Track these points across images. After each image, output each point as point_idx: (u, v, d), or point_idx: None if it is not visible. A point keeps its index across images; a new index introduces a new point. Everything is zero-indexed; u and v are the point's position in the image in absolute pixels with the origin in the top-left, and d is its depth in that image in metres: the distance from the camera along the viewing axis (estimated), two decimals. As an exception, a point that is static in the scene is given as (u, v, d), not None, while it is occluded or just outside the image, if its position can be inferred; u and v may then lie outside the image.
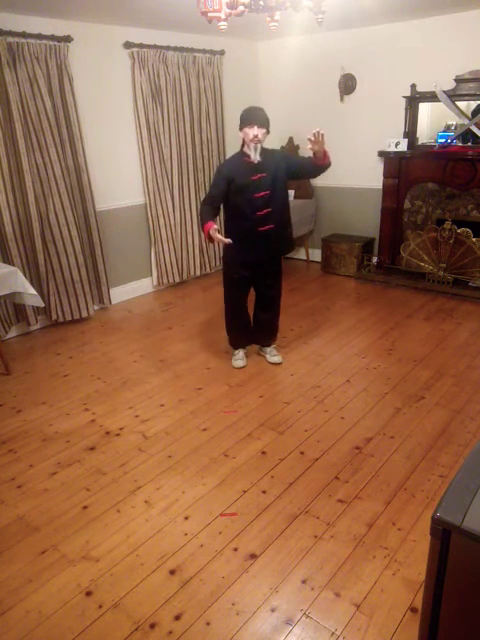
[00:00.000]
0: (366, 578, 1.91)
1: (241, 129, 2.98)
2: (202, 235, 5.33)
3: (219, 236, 2.93)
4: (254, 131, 2.92)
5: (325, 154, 2.97)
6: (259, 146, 2.97)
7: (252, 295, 3.48)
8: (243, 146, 3.05)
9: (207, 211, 3.05)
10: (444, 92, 4.35)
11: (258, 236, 3.10)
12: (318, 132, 2.84)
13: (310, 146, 2.91)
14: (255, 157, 2.97)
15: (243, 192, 3.01)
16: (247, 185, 3.00)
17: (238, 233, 3.09)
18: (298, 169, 3.10)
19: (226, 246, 3.15)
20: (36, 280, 4.15)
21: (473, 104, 4.43)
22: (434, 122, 4.82)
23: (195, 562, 2.01)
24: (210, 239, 2.98)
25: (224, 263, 3.35)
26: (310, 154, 3.01)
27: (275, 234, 3.14)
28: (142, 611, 1.82)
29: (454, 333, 3.93)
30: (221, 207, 3.18)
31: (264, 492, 2.37)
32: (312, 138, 2.86)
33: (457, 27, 4.31)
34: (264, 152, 3.01)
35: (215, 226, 2.93)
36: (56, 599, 1.88)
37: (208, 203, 3.08)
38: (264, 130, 2.96)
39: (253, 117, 2.93)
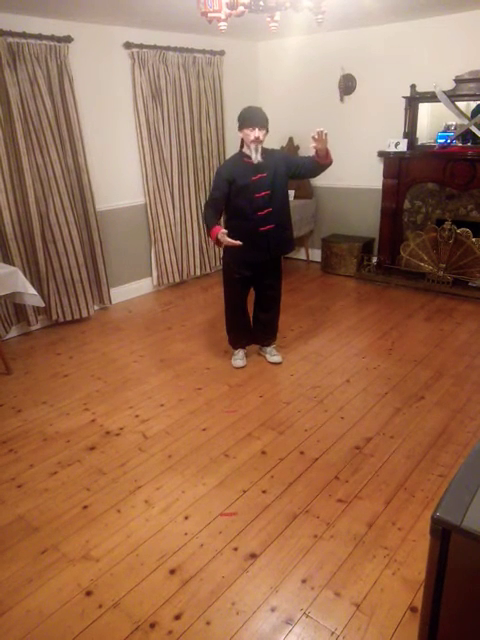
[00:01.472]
0: (366, 578, 1.92)
1: (241, 130, 2.97)
2: (202, 235, 5.33)
3: (228, 239, 2.94)
4: (255, 133, 2.92)
5: (327, 153, 2.97)
6: (260, 147, 2.97)
7: (251, 295, 3.49)
8: (242, 147, 3.05)
9: (211, 215, 3.04)
10: (444, 92, 4.36)
11: (259, 236, 3.11)
12: (322, 131, 2.84)
13: (314, 145, 2.90)
14: (256, 158, 2.97)
15: (244, 192, 3.02)
16: (248, 186, 3.01)
17: (239, 233, 3.08)
18: (298, 169, 3.10)
19: (227, 247, 3.15)
20: (36, 280, 4.15)
21: (473, 104, 4.43)
22: (434, 122, 4.82)
23: (195, 562, 2.01)
24: (218, 243, 2.99)
25: (225, 263, 3.35)
26: (312, 153, 3.02)
27: (276, 234, 3.14)
28: (142, 611, 1.82)
29: (454, 333, 3.93)
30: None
31: (264, 492, 2.37)
32: (316, 136, 2.86)
33: (457, 27, 4.32)
34: (264, 152, 3.02)
35: (223, 230, 2.93)
36: (56, 599, 1.88)
37: (211, 206, 3.07)
38: (264, 131, 2.96)
39: (253, 118, 2.92)
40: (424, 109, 4.75)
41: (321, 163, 3.02)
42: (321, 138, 2.86)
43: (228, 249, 3.18)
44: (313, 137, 2.87)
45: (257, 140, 2.93)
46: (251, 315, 3.58)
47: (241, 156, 3.05)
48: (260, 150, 2.97)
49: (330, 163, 3.05)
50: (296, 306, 4.60)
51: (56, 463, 2.64)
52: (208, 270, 5.55)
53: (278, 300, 3.50)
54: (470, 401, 3.03)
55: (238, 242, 2.96)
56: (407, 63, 4.65)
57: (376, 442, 2.70)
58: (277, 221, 3.12)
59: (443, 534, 1.12)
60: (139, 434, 2.86)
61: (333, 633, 1.72)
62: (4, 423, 3.02)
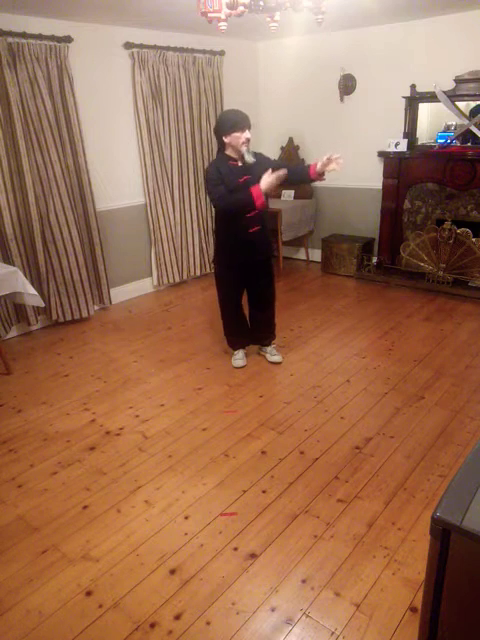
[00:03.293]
0: (366, 578, 1.92)
1: (228, 134, 2.94)
2: (202, 235, 5.33)
3: (274, 176, 2.84)
4: (246, 134, 2.96)
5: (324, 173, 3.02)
6: (250, 148, 3.00)
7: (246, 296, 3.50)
8: (225, 150, 3.04)
9: (229, 193, 2.95)
10: (444, 92, 4.36)
11: (248, 237, 3.14)
12: (341, 162, 2.88)
13: (328, 163, 2.91)
14: (250, 158, 2.99)
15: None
16: (237, 188, 3.02)
17: (230, 236, 3.13)
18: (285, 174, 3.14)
19: (219, 250, 3.23)
20: (36, 280, 4.15)
21: (473, 104, 4.43)
22: (434, 122, 4.82)
23: (195, 562, 2.01)
24: (265, 202, 2.92)
25: (217, 267, 3.37)
26: (310, 162, 3.06)
27: (263, 235, 3.19)
28: (142, 611, 1.82)
29: (454, 333, 3.93)
30: (214, 212, 3.19)
31: (264, 492, 2.37)
32: (338, 158, 2.88)
33: (456, 27, 4.32)
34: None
35: (265, 175, 2.84)
36: (56, 599, 1.88)
37: (223, 192, 2.95)
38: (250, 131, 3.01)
39: (243, 121, 2.95)
40: (424, 109, 4.75)
41: (313, 179, 3.05)
42: (335, 161, 2.88)
43: (220, 253, 3.24)
44: (336, 160, 2.88)
45: (249, 141, 2.97)
46: (248, 316, 3.59)
47: (226, 159, 3.04)
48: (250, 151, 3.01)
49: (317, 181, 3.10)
50: (296, 306, 4.60)
51: (56, 463, 2.64)
52: (208, 270, 5.55)
53: (273, 299, 3.52)
54: (470, 401, 3.03)
55: (283, 171, 2.86)
56: (407, 63, 4.65)
57: (376, 442, 2.70)
58: (261, 222, 3.16)
59: (443, 534, 1.11)
60: (139, 434, 2.86)
61: (333, 633, 1.72)
62: (4, 423, 3.02)
